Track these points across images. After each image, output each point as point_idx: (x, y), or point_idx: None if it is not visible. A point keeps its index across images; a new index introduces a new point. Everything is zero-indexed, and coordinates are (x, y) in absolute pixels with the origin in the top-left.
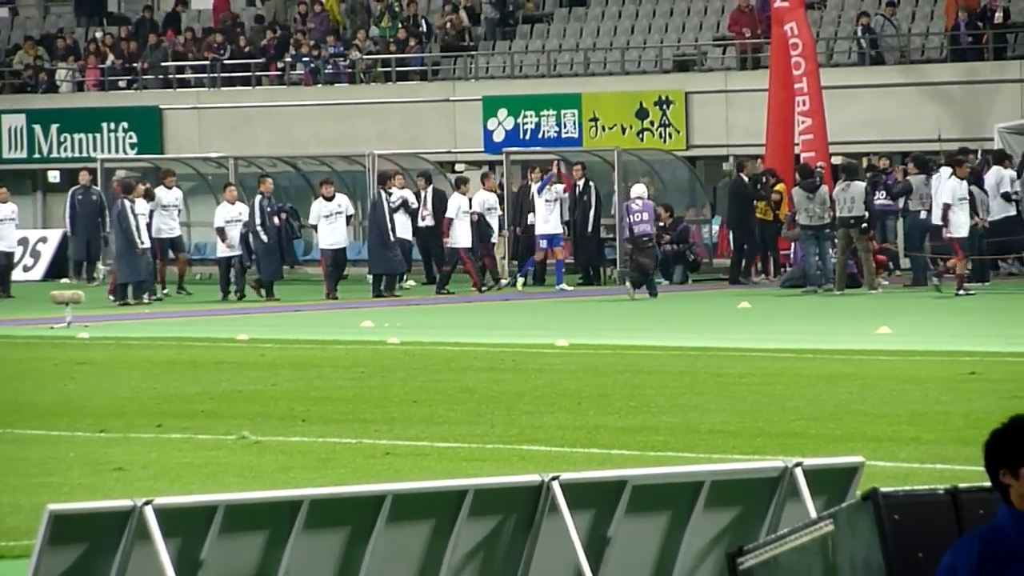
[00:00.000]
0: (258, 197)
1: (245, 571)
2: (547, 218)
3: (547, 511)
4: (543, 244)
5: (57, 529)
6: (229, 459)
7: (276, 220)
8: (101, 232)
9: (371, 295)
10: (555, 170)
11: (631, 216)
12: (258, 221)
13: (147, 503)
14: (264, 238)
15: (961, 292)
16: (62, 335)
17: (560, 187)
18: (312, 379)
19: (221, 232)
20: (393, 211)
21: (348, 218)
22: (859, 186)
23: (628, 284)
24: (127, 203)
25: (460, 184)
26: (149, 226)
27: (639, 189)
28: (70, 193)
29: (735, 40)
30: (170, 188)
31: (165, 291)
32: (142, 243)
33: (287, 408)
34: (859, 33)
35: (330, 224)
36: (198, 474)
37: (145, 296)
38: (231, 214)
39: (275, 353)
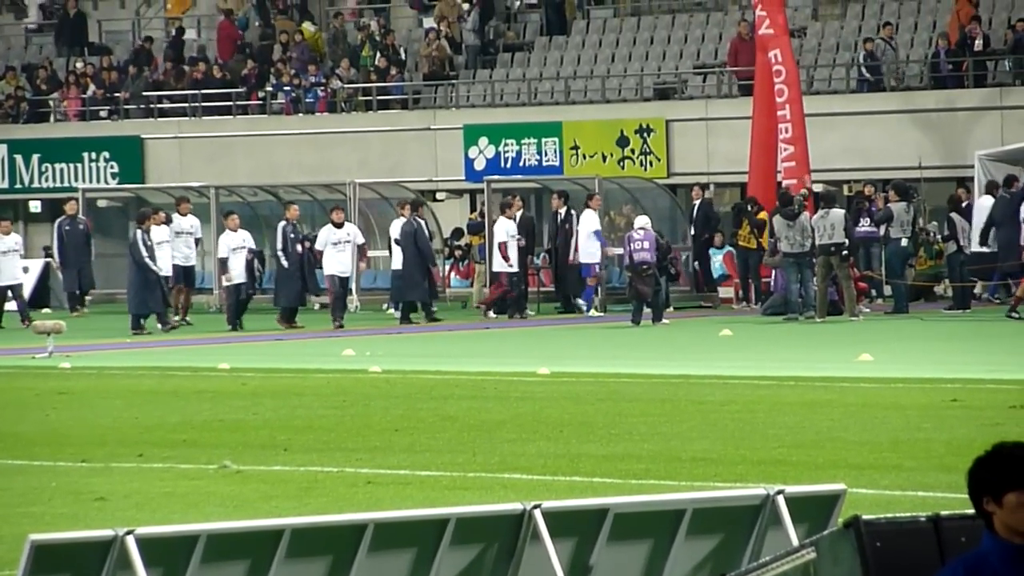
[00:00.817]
0: (283, 223)
1: None
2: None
3: (529, 539)
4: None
5: (39, 559)
6: (211, 488)
7: (299, 248)
8: (90, 260)
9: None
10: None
11: (631, 244)
12: (279, 246)
13: (129, 533)
14: (285, 263)
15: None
16: (44, 365)
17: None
18: (293, 408)
19: (224, 263)
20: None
21: (359, 247)
22: (838, 213)
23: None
24: (140, 233)
25: (504, 208)
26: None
27: (643, 220)
28: (57, 224)
29: (715, 68)
30: (184, 215)
31: (184, 319)
32: (158, 270)
33: (268, 437)
34: (861, 59)
35: (338, 252)
36: (179, 503)
37: (160, 326)
38: (235, 242)
39: (256, 382)
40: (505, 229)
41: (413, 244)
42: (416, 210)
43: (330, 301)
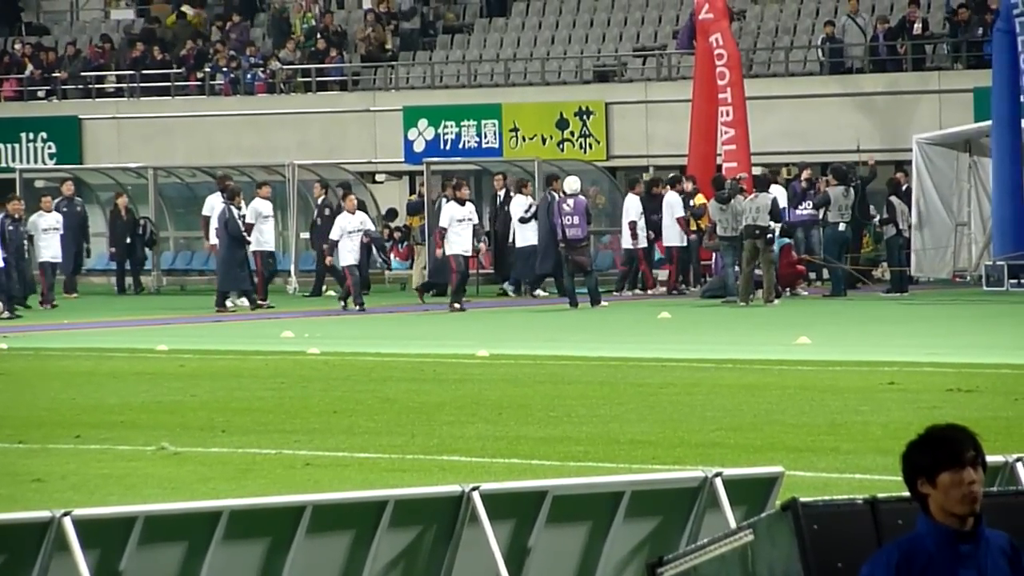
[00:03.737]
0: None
1: None
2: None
3: (467, 521)
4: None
5: None
6: (148, 470)
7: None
8: (85, 244)
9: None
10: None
11: (562, 218)
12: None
13: (66, 514)
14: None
15: None
16: None
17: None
18: (232, 390)
19: (335, 244)
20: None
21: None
22: (766, 197)
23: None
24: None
25: (455, 191)
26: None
27: (573, 182)
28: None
29: (655, 51)
30: (265, 199)
31: (267, 303)
32: (248, 246)
33: (207, 419)
34: (820, 42)
35: (352, 240)
36: (117, 485)
37: (248, 303)
38: (351, 224)
39: (195, 364)
40: (451, 215)
41: (224, 230)
42: (233, 199)
43: (352, 290)
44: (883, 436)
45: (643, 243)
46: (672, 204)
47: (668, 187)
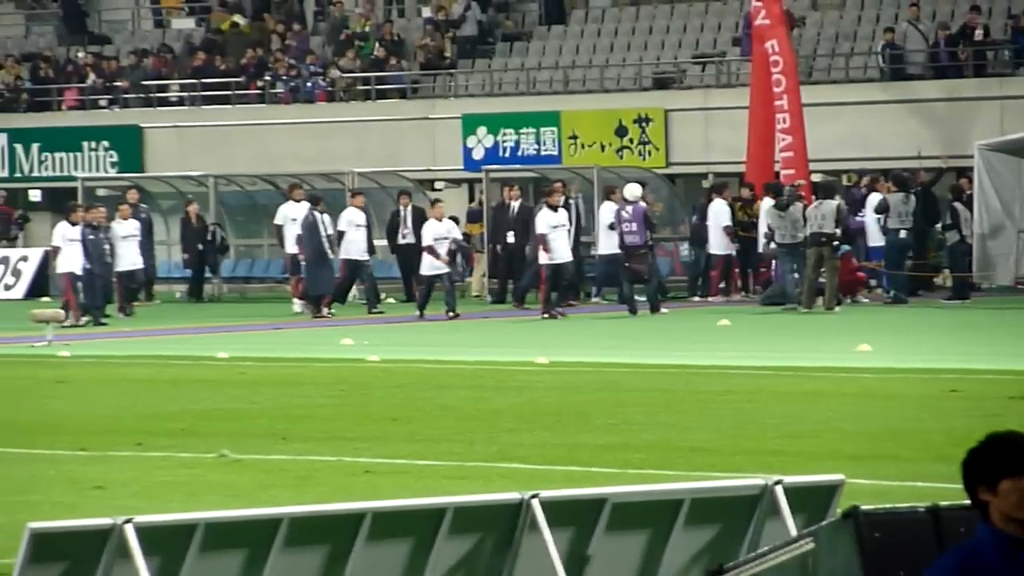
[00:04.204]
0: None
1: None
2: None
3: (527, 529)
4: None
5: (38, 548)
6: (209, 477)
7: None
8: (152, 251)
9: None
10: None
11: (621, 226)
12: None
13: (127, 521)
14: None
15: None
16: (42, 354)
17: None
18: (292, 397)
19: (431, 249)
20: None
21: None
22: (831, 204)
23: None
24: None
25: (549, 195)
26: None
27: (633, 190)
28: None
29: (714, 58)
30: (359, 208)
31: (331, 311)
32: (332, 255)
33: (267, 426)
34: (881, 47)
35: (439, 246)
36: (178, 492)
37: (326, 308)
38: (439, 231)
39: (255, 371)
40: (547, 221)
41: (310, 237)
42: (316, 204)
43: (424, 296)
44: (945, 443)
45: (730, 249)
46: (718, 212)
47: (715, 195)
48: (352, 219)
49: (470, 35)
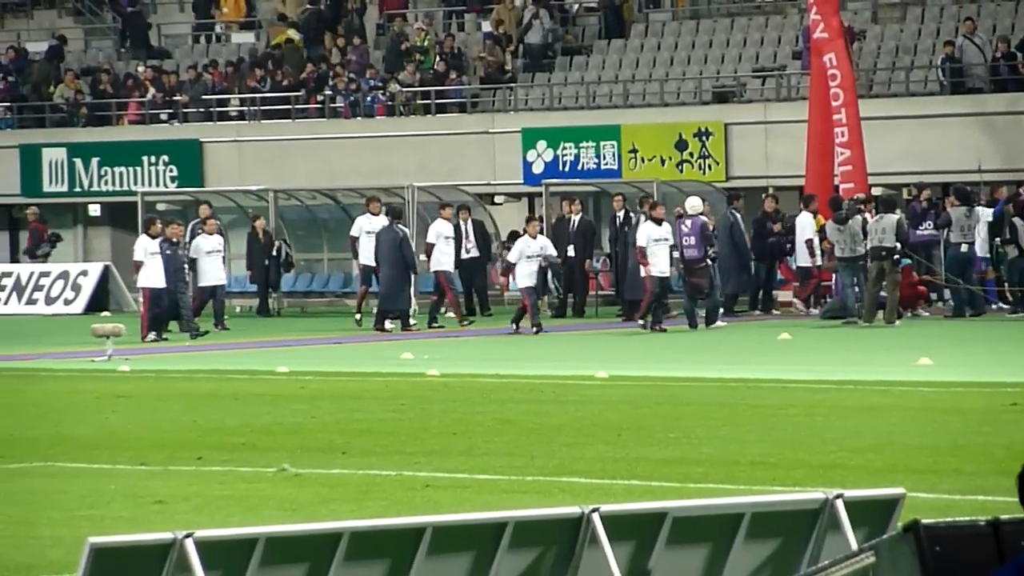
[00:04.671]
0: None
1: None
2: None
3: (587, 543)
4: None
5: (98, 562)
6: (269, 492)
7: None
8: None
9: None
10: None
11: (681, 239)
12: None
13: (188, 536)
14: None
15: None
16: (103, 368)
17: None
18: (352, 411)
19: (512, 266)
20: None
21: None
22: (892, 218)
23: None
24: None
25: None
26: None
27: (695, 202)
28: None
29: (774, 71)
30: (447, 220)
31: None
32: (418, 271)
33: (327, 440)
34: (940, 62)
35: (531, 264)
36: (238, 507)
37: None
38: (533, 248)
39: (315, 385)
40: (648, 234)
41: (399, 251)
42: (399, 218)
43: (530, 311)
44: (1005, 457)
45: (819, 260)
46: (803, 225)
47: (803, 207)
48: (442, 231)
49: (536, 43)
